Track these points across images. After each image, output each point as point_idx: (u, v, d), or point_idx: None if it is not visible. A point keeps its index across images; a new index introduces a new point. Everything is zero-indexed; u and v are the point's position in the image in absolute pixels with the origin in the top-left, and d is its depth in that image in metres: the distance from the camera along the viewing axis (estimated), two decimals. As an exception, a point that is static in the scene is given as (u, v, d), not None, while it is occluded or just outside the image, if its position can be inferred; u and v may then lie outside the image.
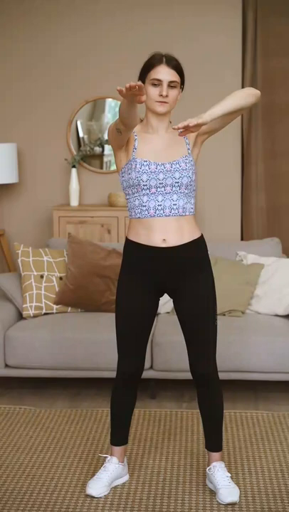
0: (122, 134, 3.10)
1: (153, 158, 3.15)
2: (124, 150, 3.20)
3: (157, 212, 3.15)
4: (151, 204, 3.15)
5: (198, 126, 2.96)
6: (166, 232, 3.16)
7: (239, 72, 5.83)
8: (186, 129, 2.96)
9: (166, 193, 3.14)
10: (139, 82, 2.78)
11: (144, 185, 3.13)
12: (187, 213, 3.19)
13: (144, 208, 3.16)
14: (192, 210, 3.22)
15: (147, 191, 3.14)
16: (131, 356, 3.32)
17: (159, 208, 3.15)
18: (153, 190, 3.14)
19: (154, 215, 3.15)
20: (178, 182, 3.13)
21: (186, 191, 3.16)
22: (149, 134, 3.21)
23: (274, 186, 5.94)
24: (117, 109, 6.21)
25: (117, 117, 3.09)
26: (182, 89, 3.22)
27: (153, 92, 3.13)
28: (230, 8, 5.77)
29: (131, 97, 2.86)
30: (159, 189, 3.14)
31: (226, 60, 5.82)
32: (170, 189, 3.14)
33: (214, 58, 5.81)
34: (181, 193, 3.15)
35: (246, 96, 3.08)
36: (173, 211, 3.16)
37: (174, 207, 3.15)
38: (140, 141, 3.19)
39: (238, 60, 5.82)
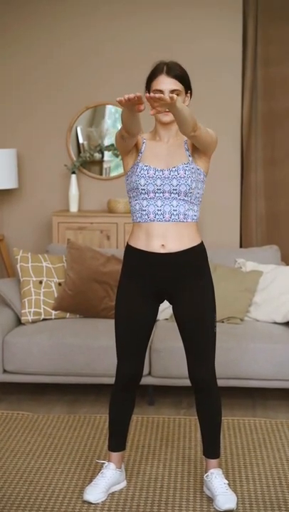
0: (125, 141, 3.17)
1: (154, 164, 3.19)
2: (132, 154, 3.27)
3: (157, 216, 3.18)
4: (151, 209, 3.18)
5: (162, 101, 2.87)
6: (165, 237, 3.18)
7: (239, 79, 5.84)
8: (154, 100, 2.88)
9: (165, 199, 3.17)
10: (138, 94, 2.85)
11: (142, 189, 3.18)
12: (189, 220, 3.21)
13: (144, 213, 3.20)
14: (195, 218, 3.24)
15: (146, 196, 3.18)
16: (130, 361, 3.33)
17: (159, 212, 3.17)
18: (151, 195, 3.17)
19: (154, 220, 3.18)
20: (176, 189, 3.15)
21: (186, 198, 3.17)
22: (156, 142, 3.27)
23: (273, 193, 5.94)
24: (117, 115, 6.25)
25: (121, 124, 3.13)
26: (190, 94, 3.25)
27: None
28: (230, 16, 5.78)
29: (130, 107, 2.92)
30: (157, 194, 3.17)
31: (226, 67, 5.83)
32: (169, 195, 3.16)
33: (214, 65, 5.82)
34: (181, 199, 3.17)
35: (193, 117, 2.99)
36: (173, 217, 3.17)
37: (174, 213, 3.17)
38: (147, 147, 3.25)
39: (238, 67, 5.83)
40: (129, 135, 3.12)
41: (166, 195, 3.17)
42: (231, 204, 5.99)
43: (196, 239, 3.25)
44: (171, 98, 2.84)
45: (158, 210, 3.18)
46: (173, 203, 3.18)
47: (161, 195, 3.17)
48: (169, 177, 3.16)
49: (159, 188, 3.16)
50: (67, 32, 5.96)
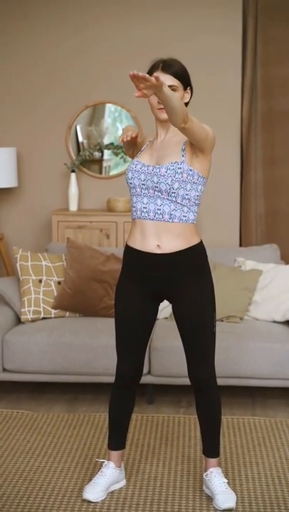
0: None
1: (144, 160, 3.22)
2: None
3: (142, 214, 3.18)
4: (138, 205, 3.20)
5: (148, 82, 2.77)
6: (160, 238, 3.16)
7: (239, 79, 5.84)
8: (139, 80, 2.78)
9: (150, 196, 3.16)
10: (134, 134, 3.25)
11: (130, 183, 3.21)
12: (176, 220, 3.16)
13: (134, 209, 3.23)
14: (185, 219, 3.17)
15: (134, 191, 3.21)
16: (130, 360, 3.34)
17: (144, 210, 3.18)
18: (138, 190, 3.19)
19: (141, 217, 3.19)
20: (157, 187, 3.13)
21: (170, 198, 3.13)
22: (155, 140, 3.28)
23: (273, 192, 5.95)
24: (117, 114, 6.26)
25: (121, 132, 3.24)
26: (191, 91, 3.24)
27: (153, 100, 3.16)
28: (230, 16, 5.78)
29: (131, 145, 3.31)
30: (143, 191, 3.17)
31: (225, 67, 5.83)
32: (153, 193, 3.15)
33: (214, 65, 5.82)
34: (164, 198, 3.14)
35: (183, 107, 2.92)
36: (157, 216, 3.16)
37: (158, 212, 3.16)
38: (147, 146, 3.29)
39: (238, 66, 5.83)
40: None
41: (151, 192, 3.15)
42: (231, 203, 5.99)
43: (194, 239, 3.22)
44: (157, 78, 2.74)
45: (144, 207, 3.18)
46: (157, 202, 3.16)
47: (146, 191, 3.16)
48: (151, 173, 3.15)
49: (143, 183, 3.16)
50: (67, 31, 5.95)
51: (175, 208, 3.15)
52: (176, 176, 3.11)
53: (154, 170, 3.14)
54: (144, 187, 3.17)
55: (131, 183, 3.21)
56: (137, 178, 3.18)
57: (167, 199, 3.14)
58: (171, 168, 3.11)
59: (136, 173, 3.19)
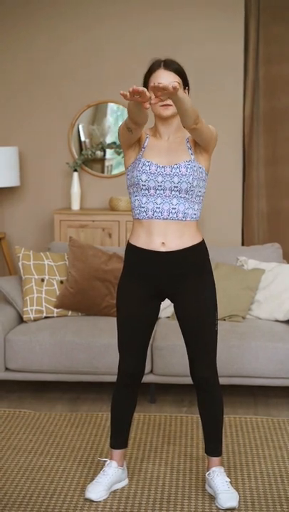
0: (132, 133, 3.14)
1: (156, 160, 3.19)
2: (134, 149, 3.26)
3: (155, 214, 3.17)
4: (150, 206, 3.18)
5: (166, 91, 2.83)
6: (166, 235, 3.18)
7: (241, 78, 5.84)
8: (158, 90, 2.85)
9: (165, 196, 3.16)
10: (141, 88, 2.81)
11: (142, 185, 3.17)
12: (188, 219, 3.19)
13: (143, 209, 3.20)
14: (194, 216, 3.22)
15: (146, 192, 3.17)
16: (132, 358, 3.34)
17: (157, 210, 3.17)
18: (152, 191, 3.16)
19: (152, 217, 3.18)
20: (177, 187, 3.14)
21: (186, 196, 3.17)
22: (156, 139, 3.26)
23: (275, 191, 5.95)
24: (119, 113, 6.23)
25: (127, 116, 3.10)
26: (188, 90, 3.25)
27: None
28: (232, 15, 5.79)
29: (136, 103, 2.91)
30: (158, 191, 3.16)
31: (228, 66, 5.84)
32: (169, 193, 3.16)
33: (217, 64, 5.83)
34: (181, 197, 3.16)
35: (195, 109, 2.98)
36: (171, 215, 3.17)
37: (173, 211, 3.17)
38: (150, 142, 3.25)
39: (240, 66, 5.83)
40: (136, 126, 3.08)
41: (167, 192, 3.16)
42: (233, 202, 5.99)
43: (197, 237, 3.24)
44: (174, 88, 2.80)
45: (157, 207, 3.18)
46: (173, 201, 3.17)
47: (162, 192, 3.17)
48: (170, 174, 3.15)
49: (160, 184, 3.16)
50: (69, 31, 5.96)
51: (189, 206, 3.19)
52: (195, 174, 3.16)
53: (174, 170, 3.15)
54: (159, 188, 3.16)
55: (144, 185, 3.17)
56: (153, 180, 3.16)
57: (184, 198, 3.16)
58: (189, 166, 3.15)
59: (152, 176, 3.16)
